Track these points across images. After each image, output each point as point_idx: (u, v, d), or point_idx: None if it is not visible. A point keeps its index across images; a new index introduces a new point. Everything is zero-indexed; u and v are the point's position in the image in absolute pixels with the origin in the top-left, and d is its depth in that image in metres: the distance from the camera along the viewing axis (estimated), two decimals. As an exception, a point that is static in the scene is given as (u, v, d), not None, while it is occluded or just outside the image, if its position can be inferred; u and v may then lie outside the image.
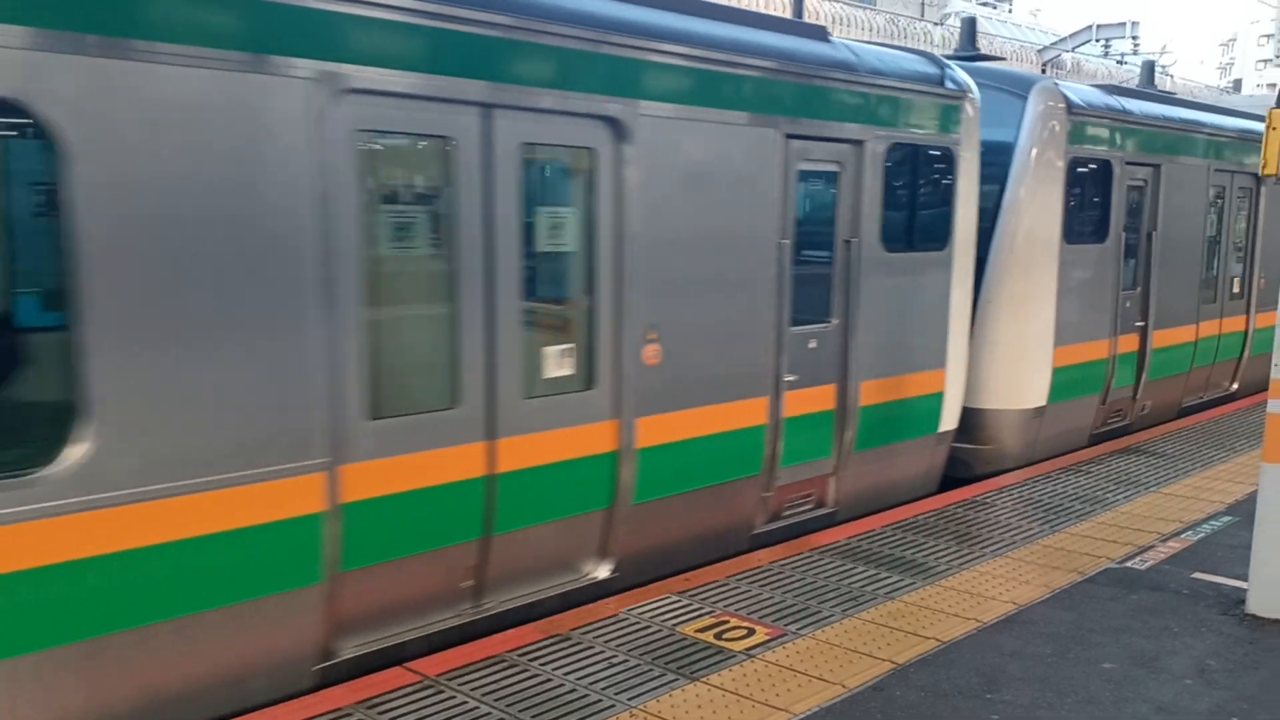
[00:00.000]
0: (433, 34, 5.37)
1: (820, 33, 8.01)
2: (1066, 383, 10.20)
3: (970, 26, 11.73)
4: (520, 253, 5.87)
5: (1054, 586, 6.68)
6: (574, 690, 5.15)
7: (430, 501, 5.58)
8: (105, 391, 4.39)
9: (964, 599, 6.44)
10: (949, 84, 8.64)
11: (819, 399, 7.82)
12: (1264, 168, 6.31)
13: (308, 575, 5.11)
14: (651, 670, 5.38)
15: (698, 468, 6.99)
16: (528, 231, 5.96)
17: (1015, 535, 7.70)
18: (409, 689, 5.12)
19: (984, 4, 77.23)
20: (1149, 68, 15.13)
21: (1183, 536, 7.72)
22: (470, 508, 5.79)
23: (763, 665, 5.46)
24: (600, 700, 5.06)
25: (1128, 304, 11.10)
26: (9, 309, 4.73)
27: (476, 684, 5.19)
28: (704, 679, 5.29)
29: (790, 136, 7.25)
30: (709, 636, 5.81)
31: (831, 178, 7.82)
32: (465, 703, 5.00)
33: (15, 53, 4.07)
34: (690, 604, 6.27)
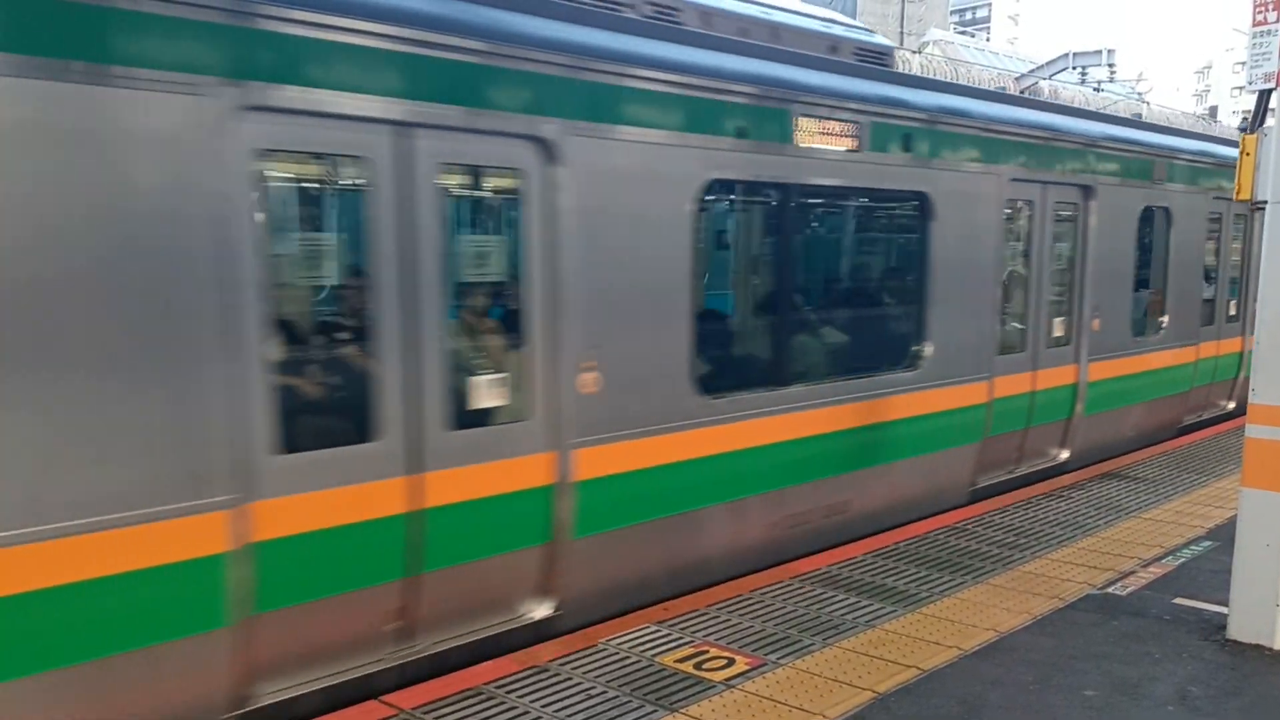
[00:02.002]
0: None
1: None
2: None
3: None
4: None
5: (1035, 613, 6.65)
6: (551, 723, 5.09)
7: None
8: None
9: (945, 626, 6.40)
10: None
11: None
12: (1237, 193, 6.34)
13: None
14: (630, 702, 5.32)
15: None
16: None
17: (996, 562, 7.68)
18: (383, 723, 5.05)
19: (962, 32, 78.13)
20: None
21: (1163, 562, 7.72)
22: None
23: (742, 696, 5.41)
24: (578, 733, 5.01)
25: None
26: None
27: (452, 717, 5.11)
28: (683, 709, 5.23)
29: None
30: (688, 667, 5.75)
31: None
32: (440, 737, 4.93)
33: None
34: (670, 633, 6.22)
